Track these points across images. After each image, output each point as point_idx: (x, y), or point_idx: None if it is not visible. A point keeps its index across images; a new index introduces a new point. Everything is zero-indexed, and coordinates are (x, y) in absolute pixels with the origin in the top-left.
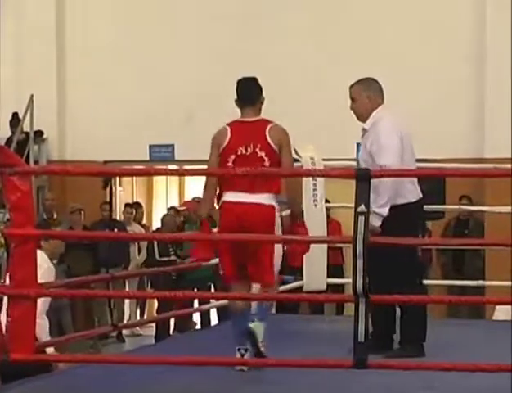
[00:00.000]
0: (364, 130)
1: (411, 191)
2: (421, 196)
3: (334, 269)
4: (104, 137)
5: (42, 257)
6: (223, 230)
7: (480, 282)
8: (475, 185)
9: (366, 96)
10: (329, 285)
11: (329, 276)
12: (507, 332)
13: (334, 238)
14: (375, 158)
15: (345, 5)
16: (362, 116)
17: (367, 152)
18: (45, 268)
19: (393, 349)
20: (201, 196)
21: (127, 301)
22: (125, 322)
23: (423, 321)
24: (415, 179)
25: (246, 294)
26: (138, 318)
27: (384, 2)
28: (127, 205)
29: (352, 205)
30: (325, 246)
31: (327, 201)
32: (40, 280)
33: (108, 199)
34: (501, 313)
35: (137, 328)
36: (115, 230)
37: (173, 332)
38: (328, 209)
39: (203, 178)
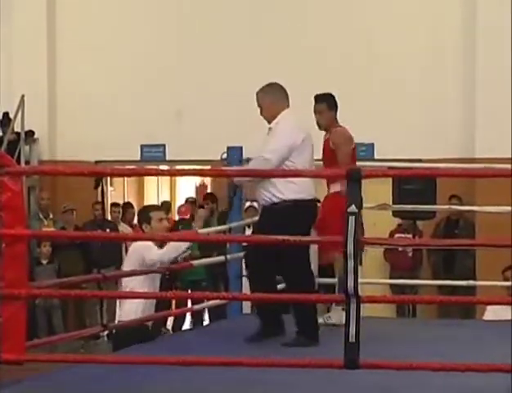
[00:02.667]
0: (269, 129)
1: (294, 191)
2: (308, 197)
3: (326, 269)
4: (95, 137)
5: None
6: None
7: (471, 282)
8: (466, 185)
9: (270, 101)
10: (320, 285)
11: (320, 276)
12: (497, 332)
13: (324, 238)
14: (264, 148)
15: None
16: (268, 119)
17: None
18: None
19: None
20: (193, 196)
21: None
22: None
23: (315, 310)
24: (306, 180)
25: (239, 295)
26: None
27: (374, 3)
28: (113, 204)
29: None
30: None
31: None
32: None
33: (99, 199)
34: (492, 313)
35: None
36: (107, 230)
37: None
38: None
39: (194, 178)
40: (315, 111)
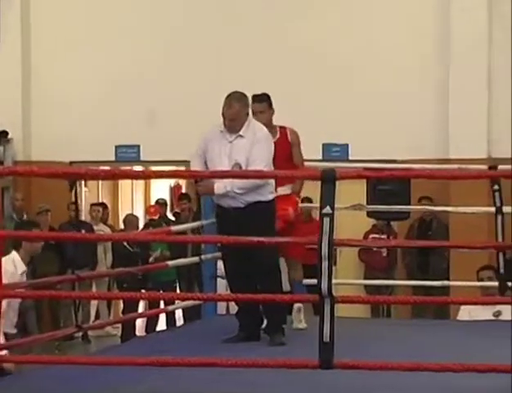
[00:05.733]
0: (239, 136)
1: (272, 192)
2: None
3: (311, 270)
4: (70, 137)
5: (11, 261)
6: None
7: (445, 283)
8: (440, 186)
9: (246, 111)
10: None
11: (305, 276)
12: (472, 332)
13: (300, 239)
14: (254, 158)
15: (307, 7)
16: (237, 128)
17: (245, 155)
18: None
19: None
20: (165, 196)
21: (93, 302)
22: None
23: (284, 308)
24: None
25: (214, 295)
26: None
27: (351, 9)
28: (93, 204)
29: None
30: None
31: (309, 200)
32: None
33: (73, 200)
34: (466, 313)
35: (110, 328)
36: (82, 231)
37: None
38: (309, 209)
39: (169, 179)
40: (254, 112)
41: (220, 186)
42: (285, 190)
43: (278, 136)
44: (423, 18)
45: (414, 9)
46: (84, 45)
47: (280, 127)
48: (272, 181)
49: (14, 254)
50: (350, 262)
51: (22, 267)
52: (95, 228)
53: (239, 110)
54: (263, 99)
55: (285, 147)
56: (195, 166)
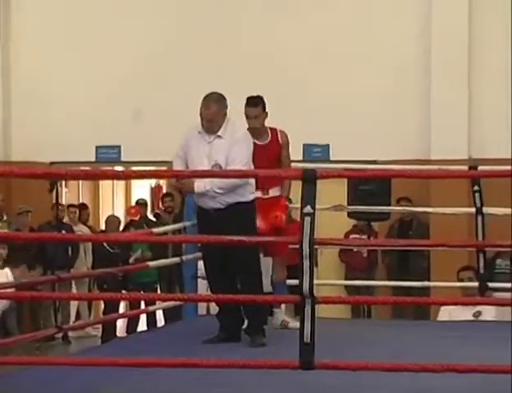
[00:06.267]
0: (219, 137)
1: (252, 192)
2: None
3: (294, 270)
4: (50, 138)
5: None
6: None
7: (425, 283)
8: (420, 186)
9: (224, 112)
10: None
11: (288, 277)
12: (452, 333)
13: (279, 239)
14: (233, 158)
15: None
16: (214, 129)
17: (224, 155)
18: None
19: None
20: (146, 197)
21: (73, 303)
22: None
23: (265, 309)
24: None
25: (195, 296)
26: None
27: (333, 8)
28: (70, 205)
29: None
30: None
31: (290, 201)
32: None
33: (54, 200)
34: (446, 313)
35: (90, 329)
36: (63, 232)
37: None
38: (290, 209)
39: (149, 179)
40: (249, 116)
41: (200, 185)
42: (275, 192)
43: (269, 137)
44: (405, 19)
45: (396, 9)
46: (65, 45)
47: (271, 128)
48: (253, 181)
49: (7, 270)
50: (331, 263)
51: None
52: (74, 228)
53: (217, 111)
54: (258, 102)
55: (276, 149)
56: (177, 167)
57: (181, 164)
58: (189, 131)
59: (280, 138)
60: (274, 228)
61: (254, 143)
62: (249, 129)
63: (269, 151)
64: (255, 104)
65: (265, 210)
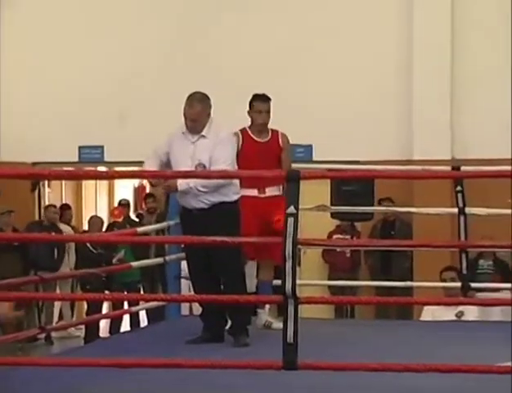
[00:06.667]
0: (203, 137)
1: (236, 193)
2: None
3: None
4: (33, 138)
5: None
6: None
7: (408, 283)
8: (403, 186)
9: (208, 112)
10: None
11: (276, 277)
12: (435, 333)
13: (262, 239)
14: (217, 158)
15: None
16: (198, 128)
17: (208, 155)
18: None
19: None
20: (128, 197)
21: (56, 304)
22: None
23: (248, 309)
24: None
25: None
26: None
27: (315, 8)
28: (48, 206)
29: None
30: None
31: None
32: None
33: (37, 200)
34: (429, 313)
35: (73, 329)
36: (52, 233)
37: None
38: None
39: (132, 180)
40: (262, 110)
41: (183, 182)
42: (273, 190)
43: (269, 137)
44: (385, 19)
45: (379, 12)
46: (48, 45)
47: (272, 129)
48: (237, 181)
49: None
50: (314, 263)
51: None
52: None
53: (200, 110)
54: (268, 97)
55: (274, 149)
56: (149, 166)
57: (154, 163)
58: (173, 132)
59: (280, 140)
60: (275, 232)
61: (254, 140)
62: (258, 125)
63: (268, 150)
64: (266, 99)
65: (264, 210)
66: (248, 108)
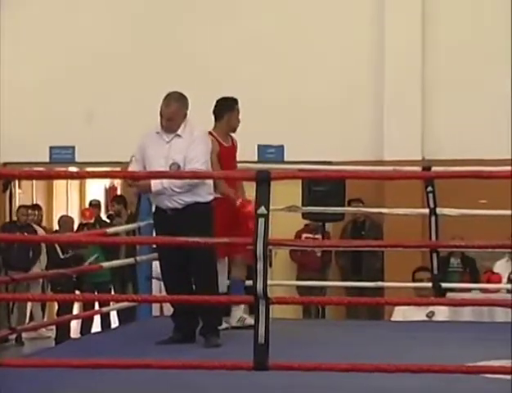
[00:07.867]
0: (178, 136)
1: (210, 193)
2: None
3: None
4: (3, 138)
5: None
6: None
7: (379, 284)
8: (374, 187)
9: (183, 112)
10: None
11: (249, 277)
12: (406, 333)
13: (234, 240)
14: (192, 157)
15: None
16: (173, 128)
17: (183, 154)
18: None
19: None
20: (98, 198)
21: (28, 304)
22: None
23: (220, 309)
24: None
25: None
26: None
27: (287, 8)
28: (22, 206)
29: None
30: None
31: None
32: None
33: (8, 201)
34: (400, 313)
35: (44, 330)
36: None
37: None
38: None
39: (104, 180)
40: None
41: (156, 182)
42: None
43: (230, 142)
44: (357, 20)
45: (350, 12)
46: (18, 42)
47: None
48: (210, 181)
49: None
50: (285, 263)
51: None
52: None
53: (177, 109)
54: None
55: (234, 153)
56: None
57: (138, 167)
58: (145, 134)
59: (236, 144)
60: (243, 218)
61: (223, 145)
62: (233, 129)
63: (233, 154)
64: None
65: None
66: (226, 110)
